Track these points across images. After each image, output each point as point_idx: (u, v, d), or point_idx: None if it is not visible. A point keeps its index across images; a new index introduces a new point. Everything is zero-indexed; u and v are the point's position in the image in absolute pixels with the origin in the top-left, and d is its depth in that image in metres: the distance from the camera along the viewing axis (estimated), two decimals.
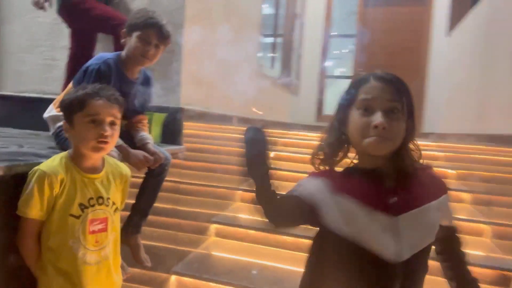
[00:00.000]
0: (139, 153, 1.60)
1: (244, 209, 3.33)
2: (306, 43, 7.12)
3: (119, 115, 1.23)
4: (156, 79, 2.56)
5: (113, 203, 1.26)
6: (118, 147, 1.55)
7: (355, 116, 0.82)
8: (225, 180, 3.48)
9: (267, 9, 6.32)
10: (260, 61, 4.69)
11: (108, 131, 1.17)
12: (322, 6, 7.21)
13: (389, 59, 6.67)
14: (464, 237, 0.92)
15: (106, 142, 1.18)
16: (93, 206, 1.19)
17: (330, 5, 7.30)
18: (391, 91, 0.82)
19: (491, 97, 3.67)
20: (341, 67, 8.09)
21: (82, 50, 2.40)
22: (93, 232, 1.19)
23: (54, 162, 1.18)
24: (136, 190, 1.73)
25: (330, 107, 6.46)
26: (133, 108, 1.75)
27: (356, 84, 0.86)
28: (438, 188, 0.87)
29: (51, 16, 2.62)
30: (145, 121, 1.83)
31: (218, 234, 3.11)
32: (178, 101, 2.53)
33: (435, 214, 0.83)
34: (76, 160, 1.20)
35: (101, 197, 1.22)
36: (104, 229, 1.22)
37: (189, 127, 2.60)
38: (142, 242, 2.26)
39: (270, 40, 6.46)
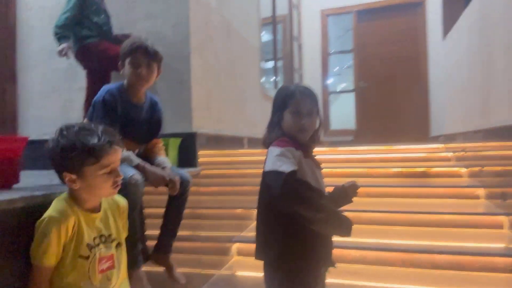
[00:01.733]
0: (157, 170, 1.66)
1: None
2: (306, 63, 7.32)
3: None
4: (168, 107, 2.72)
5: (114, 239, 1.25)
6: (136, 166, 1.61)
7: (289, 117, 1.27)
8: (241, 201, 3.55)
9: (265, 36, 6.57)
10: (264, 85, 4.85)
11: (120, 173, 1.18)
12: (317, 26, 7.45)
13: (389, 69, 6.81)
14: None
15: (120, 185, 1.19)
16: (98, 245, 1.18)
17: (325, 24, 7.53)
18: (311, 101, 1.28)
19: (492, 91, 3.74)
20: (342, 82, 8.24)
21: (98, 89, 2.57)
22: (102, 271, 1.18)
23: (62, 206, 1.14)
24: (159, 210, 1.82)
25: (337, 122, 6.51)
26: (145, 132, 1.82)
27: (287, 96, 1.30)
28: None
29: (65, 62, 2.80)
30: (161, 145, 1.89)
31: (240, 253, 3.15)
32: (191, 127, 2.65)
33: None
34: (77, 201, 1.17)
35: (103, 235, 1.21)
36: (112, 266, 1.22)
37: (202, 156, 2.71)
38: (159, 269, 2.32)
39: (271, 64, 6.67)
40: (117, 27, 2.76)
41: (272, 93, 5.21)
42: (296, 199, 1.14)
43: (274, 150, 1.21)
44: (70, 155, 1.09)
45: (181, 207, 1.82)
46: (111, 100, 1.67)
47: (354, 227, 1.17)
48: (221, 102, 3.24)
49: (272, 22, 6.08)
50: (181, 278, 1.81)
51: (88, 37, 2.54)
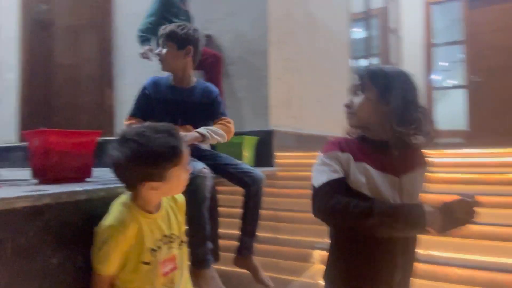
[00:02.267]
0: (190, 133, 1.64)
1: None
2: (406, 58, 6.68)
3: None
4: (246, 104, 2.67)
5: (177, 237, 1.21)
6: None
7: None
8: None
9: (359, 33, 6.18)
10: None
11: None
12: (420, 17, 6.76)
13: (505, 60, 5.83)
14: None
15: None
16: (160, 247, 1.14)
17: (429, 14, 6.81)
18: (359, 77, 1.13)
19: None
20: (451, 77, 7.35)
21: None
22: (166, 274, 1.14)
23: (122, 214, 1.09)
24: (234, 210, 1.75)
25: (445, 122, 5.74)
26: (200, 114, 1.80)
27: None
28: (424, 161, 1.13)
29: (157, 65, 2.94)
30: (223, 121, 1.82)
31: (323, 261, 2.94)
32: (268, 124, 2.55)
33: (421, 178, 1.11)
34: (141, 204, 1.12)
35: (165, 235, 1.17)
36: (175, 268, 1.18)
37: (280, 157, 2.58)
38: (238, 270, 2.25)
39: (365, 63, 6.23)
40: (202, 27, 2.81)
41: None
42: (331, 213, 1.00)
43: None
44: (154, 162, 1.03)
45: (256, 206, 1.75)
46: (148, 86, 1.80)
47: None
48: (303, 99, 3.07)
49: (365, 17, 5.67)
50: (268, 281, 1.74)
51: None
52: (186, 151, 1.09)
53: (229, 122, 1.82)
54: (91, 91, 3.62)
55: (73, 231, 1.18)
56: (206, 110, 1.82)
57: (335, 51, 3.89)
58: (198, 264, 1.55)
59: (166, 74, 1.85)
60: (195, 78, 1.88)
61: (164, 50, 1.78)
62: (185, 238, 1.25)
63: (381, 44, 6.37)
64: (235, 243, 1.81)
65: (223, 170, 1.74)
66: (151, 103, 1.79)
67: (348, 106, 1.15)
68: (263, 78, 2.55)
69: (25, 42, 3.87)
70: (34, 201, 1.07)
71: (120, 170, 1.07)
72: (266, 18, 2.57)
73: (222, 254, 1.94)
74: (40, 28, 3.84)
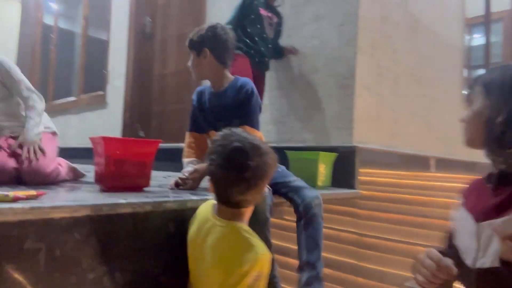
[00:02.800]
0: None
1: None
2: None
3: None
4: (327, 117, 2.43)
5: None
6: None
7: None
8: (420, 235, 2.86)
9: (478, 39, 5.39)
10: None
11: None
12: None
13: None
14: None
15: None
16: None
17: None
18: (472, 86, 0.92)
19: None
20: None
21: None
22: None
23: (255, 238, 1.05)
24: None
25: None
26: (231, 117, 1.63)
27: None
28: None
29: None
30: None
31: None
32: (351, 139, 2.26)
33: None
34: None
35: None
36: None
37: (365, 174, 2.27)
38: None
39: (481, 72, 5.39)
40: (285, 34, 2.67)
41: None
42: None
43: None
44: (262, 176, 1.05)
45: (308, 228, 1.48)
46: (195, 98, 1.79)
47: None
48: (398, 112, 2.69)
49: (485, 21, 4.90)
50: None
51: (237, 48, 2.42)
52: None
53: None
54: (185, 99, 3.75)
55: (114, 246, 1.11)
56: (237, 111, 1.63)
57: (443, 59, 3.38)
58: None
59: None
60: (232, 77, 1.71)
61: (190, 61, 1.69)
62: None
63: (506, 51, 5.45)
64: None
65: (277, 189, 1.54)
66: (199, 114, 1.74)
67: (462, 121, 0.95)
68: (348, 87, 2.28)
69: (131, 52, 4.22)
70: (72, 212, 1.03)
71: (250, 191, 1.04)
72: (356, 21, 2.30)
73: None
74: (144, 39, 4.16)
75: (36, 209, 0.96)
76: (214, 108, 1.70)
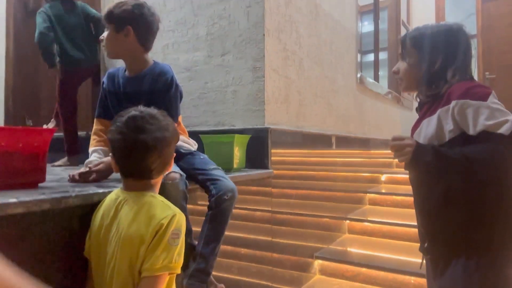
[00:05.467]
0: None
1: (354, 243, 2.89)
2: None
3: None
4: (239, 100, 2.43)
5: None
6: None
7: None
8: (329, 208, 3.09)
9: (367, 27, 5.89)
10: (363, 80, 4.25)
11: None
12: (432, 9, 6.45)
13: None
14: None
15: None
16: None
17: (441, 7, 6.49)
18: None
19: None
20: None
21: None
22: None
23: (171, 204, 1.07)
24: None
25: None
26: (143, 106, 1.54)
27: None
28: None
29: None
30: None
31: (323, 272, 2.71)
32: (263, 122, 2.30)
33: None
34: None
35: None
36: None
37: (276, 154, 2.33)
38: (235, 277, 2.02)
39: (370, 58, 5.94)
40: (191, 13, 2.58)
41: (373, 87, 4.61)
42: None
43: None
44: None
45: (214, 220, 1.42)
46: (104, 81, 1.64)
47: None
48: (304, 94, 2.81)
49: (374, 9, 5.38)
50: None
51: None
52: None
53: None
54: None
55: (6, 252, 0.95)
56: (157, 100, 1.49)
57: (341, 43, 3.62)
58: (190, 280, 1.36)
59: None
60: (152, 61, 1.60)
61: (105, 34, 1.53)
62: None
63: (391, 38, 6.08)
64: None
65: (193, 176, 1.48)
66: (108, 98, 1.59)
67: (395, 72, 1.27)
68: (258, 70, 2.29)
69: (10, 30, 3.65)
70: None
71: (152, 155, 1.03)
72: (263, 4, 2.31)
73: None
74: (27, 14, 3.63)
75: None
76: (129, 93, 1.55)
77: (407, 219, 2.73)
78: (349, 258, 2.66)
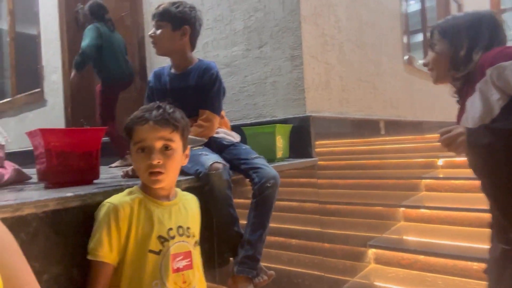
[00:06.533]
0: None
1: (411, 230, 2.77)
2: None
3: (175, 136, 1.04)
4: (278, 90, 2.42)
5: (193, 235, 1.10)
6: None
7: None
8: (381, 197, 2.99)
9: (412, 6, 5.59)
10: (412, 61, 4.05)
11: (157, 159, 1.00)
12: None
13: None
14: None
15: (158, 173, 1.01)
16: (173, 238, 1.03)
17: None
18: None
19: None
20: None
21: None
22: (177, 270, 1.02)
23: (118, 196, 1.05)
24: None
25: None
26: (192, 101, 1.57)
27: None
28: None
29: None
30: (199, 122, 1.57)
31: (378, 261, 2.63)
32: (304, 110, 2.27)
33: None
34: (146, 189, 1.07)
35: (181, 227, 1.07)
36: (190, 266, 1.05)
37: (323, 146, 2.30)
38: (284, 267, 2.02)
39: (419, 38, 5.62)
40: (228, 9, 2.61)
41: (422, 67, 4.37)
42: None
43: None
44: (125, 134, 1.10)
45: (258, 208, 1.42)
46: (152, 80, 1.71)
47: None
48: (346, 79, 2.74)
49: None
50: None
51: None
52: (141, 134, 1.02)
53: (208, 120, 1.56)
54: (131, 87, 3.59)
55: (66, 243, 1.03)
56: (202, 95, 1.59)
57: (383, 25, 3.47)
58: (238, 267, 1.37)
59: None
60: (197, 59, 1.68)
61: (158, 32, 1.59)
62: (198, 239, 1.14)
63: (441, 15, 5.73)
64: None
65: (236, 166, 1.50)
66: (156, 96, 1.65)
67: (425, 64, 1.28)
68: (296, 58, 2.27)
69: (64, 43, 3.93)
70: (14, 212, 0.94)
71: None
72: None
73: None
74: (78, 28, 3.88)
75: None
76: (175, 89, 1.63)
77: (467, 204, 2.56)
78: (405, 246, 2.56)
